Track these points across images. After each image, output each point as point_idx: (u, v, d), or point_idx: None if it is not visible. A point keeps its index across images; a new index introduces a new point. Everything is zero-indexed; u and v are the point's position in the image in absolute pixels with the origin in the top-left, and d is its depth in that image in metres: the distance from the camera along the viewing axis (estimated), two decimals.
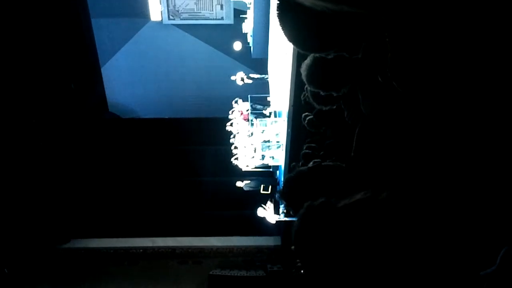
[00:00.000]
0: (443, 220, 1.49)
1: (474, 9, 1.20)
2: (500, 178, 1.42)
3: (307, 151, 5.55)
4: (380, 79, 2.05)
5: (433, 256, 1.49)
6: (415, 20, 1.23)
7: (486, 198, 1.45)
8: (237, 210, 14.50)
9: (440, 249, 1.47)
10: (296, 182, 2.12)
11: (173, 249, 14.70)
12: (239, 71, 14.52)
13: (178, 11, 15.78)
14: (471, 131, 1.46)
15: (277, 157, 12.14)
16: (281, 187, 2.25)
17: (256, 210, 12.39)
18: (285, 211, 11.67)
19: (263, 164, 12.68)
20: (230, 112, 14.12)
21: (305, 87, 3.85)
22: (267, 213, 12.17)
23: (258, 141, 12.31)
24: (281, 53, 10.27)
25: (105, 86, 16.38)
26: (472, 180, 1.46)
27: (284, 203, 2.29)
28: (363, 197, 1.61)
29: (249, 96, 13.81)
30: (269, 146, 12.28)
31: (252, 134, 12.56)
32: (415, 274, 1.55)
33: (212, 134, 15.67)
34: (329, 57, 2.66)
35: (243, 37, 15.15)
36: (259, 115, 13.36)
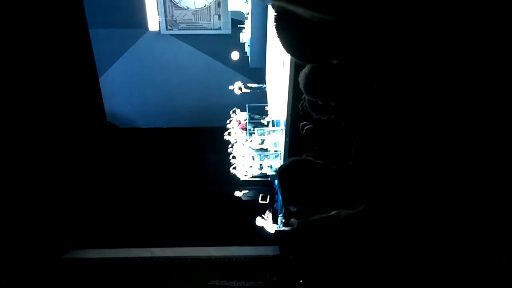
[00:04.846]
0: (441, 228, 1.49)
1: (467, 17, 1.21)
2: (499, 188, 1.43)
3: None
4: (375, 86, 2.05)
5: (434, 262, 1.49)
6: (412, 31, 1.24)
7: (487, 206, 1.45)
8: (236, 220, 14.45)
9: (440, 254, 1.47)
10: (292, 171, 2.13)
11: (171, 259, 14.62)
12: (237, 80, 14.56)
13: (176, 21, 15.85)
14: (469, 138, 1.46)
15: (275, 167, 12.13)
16: (281, 168, 2.25)
17: (255, 220, 12.36)
18: (283, 220, 11.64)
19: (261, 173, 12.67)
20: (228, 121, 14.13)
21: (303, 96, 3.86)
22: (266, 222, 12.14)
23: (256, 151, 12.32)
24: (278, 62, 10.30)
25: (103, 96, 16.39)
26: (472, 188, 1.46)
27: (281, 191, 2.29)
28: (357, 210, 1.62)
29: (247, 105, 13.83)
30: (267, 155, 12.29)
31: (251, 141, 12.57)
32: (415, 279, 1.55)
33: (210, 143, 15.66)
34: (327, 66, 2.66)
35: (241, 47, 15.21)
36: (257, 124, 13.37)
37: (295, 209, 7.84)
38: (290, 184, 2.15)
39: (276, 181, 13.22)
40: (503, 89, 1.32)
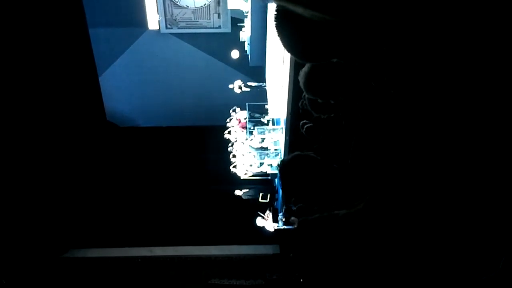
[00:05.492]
0: (440, 227, 1.49)
1: (467, 16, 1.21)
2: (499, 188, 1.43)
3: None
4: (373, 84, 2.06)
5: (433, 261, 1.49)
6: (412, 30, 1.24)
7: (486, 205, 1.45)
8: (236, 219, 14.46)
9: (439, 253, 1.47)
10: (294, 165, 2.14)
11: (171, 258, 14.64)
12: (237, 79, 14.55)
13: (175, 20, 15.84)
14: (469, 137, 1.46)
15: (275, 165, 12.13)
16: (282, 162, 2.26)
17: (255, 219, 12.35)
18: (283, 219, 11.63)
19: (261, 172, 12.67)
20: (228, 120, 14.13)
21: (303, 94, 3.86)
22: (266, 222, 12.13)
23: (256, 149, 12.32)
24: (278, 61, 10.30)
25: (103, 95, 16.39)
26: (471, 187, 1.46)
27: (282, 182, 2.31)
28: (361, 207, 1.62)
29: (247, 104, 13.83)
30: (267, 154, 12.29)
31: (251, 140, 12.57)
32: (415, 277, 1.56)
33: (210, 142, 15.66)
34: (327, 64, 2.66)
35: (240, 46, 15.20)
36: (257, 123, 13.37)
37: (295, 208, 7.85)
38: (291, 177, 2.16)
39: (276, 180, 13.23)
40: (503, 88, 1.32)
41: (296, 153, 2.16)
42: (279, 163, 2.26)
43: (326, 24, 1.21)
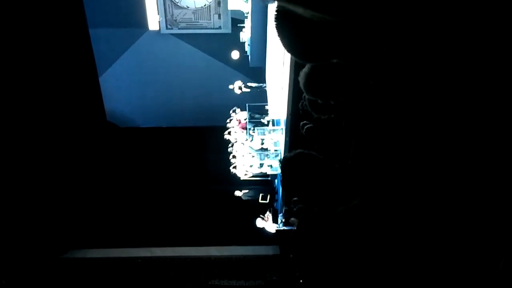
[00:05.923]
0: (440, 227, 1.49)
1: (467, 16, 1.21)
2: (499, 188, 1.43)
3: None
4: (372, 83, 2.06)
5: (431, 260, 1.49)
6: (413, 30, 1.24)
7: (486, 206, 1.44)
8: (236, 220, 14.47)
9: (438, 253, 1.47)
10: (296, 161, 2.14)
11: (171, 259, 14.64)
12: (237, 80, 14.55)
13: (176, 20, 15.84)
14: (469, 138, 1.46)
15: (275, 166, 12.13)
16: (283, 159, 2.26)
17: (255, 220, 12.35)
18: (283, 219, 11.63)
19: (261, 173, 12.67)
20: (228, 121, 14.13)
21: (303, 95, 3.86)
22: (266, 223, 12.13)
23: (256, 150, 12.32)
24: (278, 61, 10.30)
25: (103, 96, 16.39)
26: (471, 187, 1.46)
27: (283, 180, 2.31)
28: (359, 202, 1.62)
29: (247, 105, 13.83)
30: (267, 155, 12.29)
31: (252, 140, 12.57)
32: (413, 277, 1.55)
33: (210, 143, 15.66)
34: (327, 65, 2.66)
35: (241, 46, 15.20)
36: (257, 124, 13.36)
37: (295, 208, 7.85)
38: (292, 174, 2.16)
39: (276, 181, 13.22)
40: (504, 88, 1.32)
41: (298, 150, 2.16)
42: (281, 159, 2.25)
43: (326, 24, 1.21)
